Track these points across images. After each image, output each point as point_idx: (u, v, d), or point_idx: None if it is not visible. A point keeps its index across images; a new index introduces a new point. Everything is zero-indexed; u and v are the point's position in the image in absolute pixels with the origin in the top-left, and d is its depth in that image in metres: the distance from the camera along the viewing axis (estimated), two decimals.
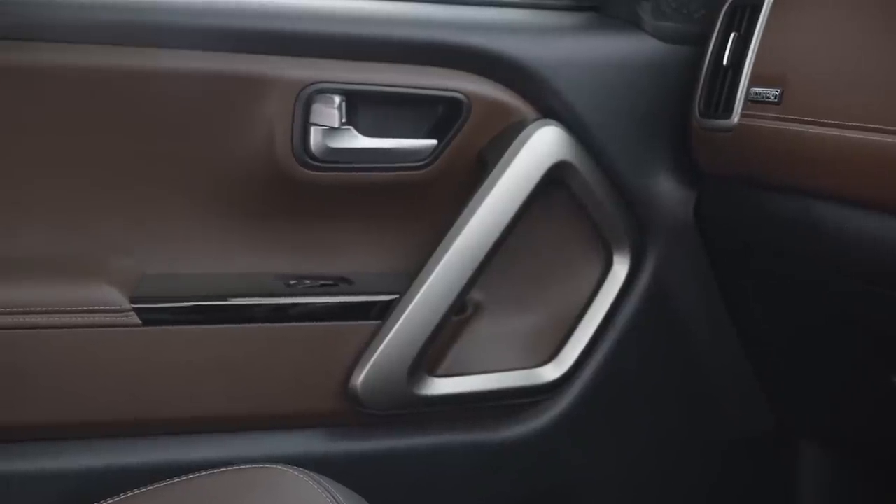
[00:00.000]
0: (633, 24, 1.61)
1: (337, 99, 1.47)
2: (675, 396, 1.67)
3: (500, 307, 1.62)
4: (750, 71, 1.46)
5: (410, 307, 1.49)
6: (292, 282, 1.53)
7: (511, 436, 1.60)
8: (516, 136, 1.52)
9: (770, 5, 1.46)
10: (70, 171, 1.46)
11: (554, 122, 1.54)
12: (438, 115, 1.54)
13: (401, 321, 1.49)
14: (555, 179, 1.55)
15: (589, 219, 1.59)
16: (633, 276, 1.61)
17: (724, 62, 1.50)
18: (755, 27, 1.47)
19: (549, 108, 1.55)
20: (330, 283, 1.54)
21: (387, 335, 1.49)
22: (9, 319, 1.37)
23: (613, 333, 1.61)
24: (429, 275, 1.50)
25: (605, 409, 1.63)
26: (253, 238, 1.54)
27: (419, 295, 1.49)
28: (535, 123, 1.53)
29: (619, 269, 1.61)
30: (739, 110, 1.46)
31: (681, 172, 1.60)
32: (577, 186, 1.57)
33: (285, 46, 1.47)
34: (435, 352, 1.54)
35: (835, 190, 1.32)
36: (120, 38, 1.42)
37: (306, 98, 1.46)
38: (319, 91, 1.47)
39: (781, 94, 1.38)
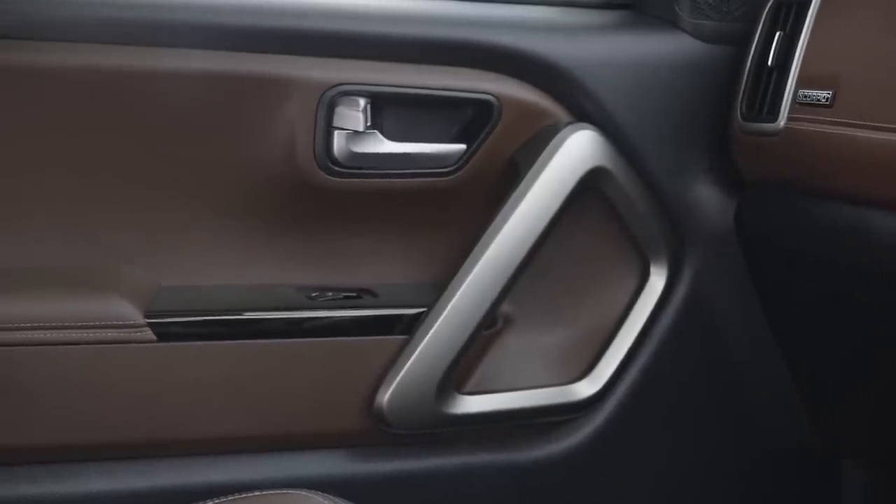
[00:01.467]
0: (669, 22, 1.55)
1: (362, 101, 1.42)
2: (714, 413, 1.62)
3: (532, 320, 1.57)
4: (797, 72, 1.40)
5: (439, 321, 1.43)
6: (314, 294, 1.48)
7: (543, 455, 1.54)
8: (549, 140, 1.47)
9: (819, 3, 1.40)
10: (80, 176, 1.41)
11: (588, 125, 1.49)
12: (467, 118, 1.49)
13: (429, 336, 1.43)
14: (589, 186, 1.49)
15: (625, 227, 1.54)
16: (670, 287, 1.56)
17: (769, 62, 1.44)
18: (802, 26, 1.41)
19: (583, 111, 1.50)
20: (353, 294, 1.50)
21: (414, 351, 1.43)
22: (15, 335, 1.31)
23: (650, 348, 1.56)
24: (458, 287, 1.44)
25: (640, 426, 1.58)
26: (273, 247, 1.49)
27: (448, 308, 1.44)
28: (569, 127, 1.48)
29: (656, 281, 1.55)
30: (786, 113, 1.40)
31: (721, 178, 1.55)
32: (613, 193, 1.51)
33: (308, 46, 1.41)
34: (463, 367, 1.49)
35: (890, 198, 1.27)
36: (133, 38, 1.38)
37: (329, 100, 1.41)
38: (343, 93, 1.42)
39: (833, 96, 1.32)
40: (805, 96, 1.37)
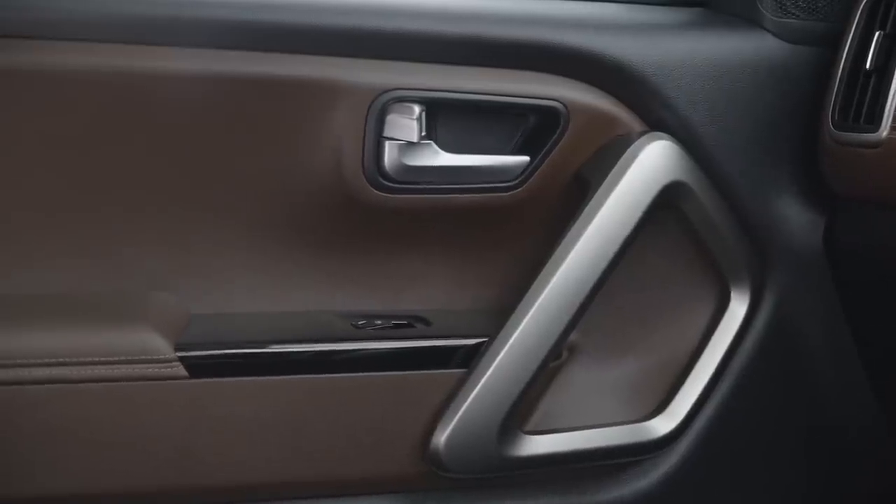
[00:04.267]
0: (750, 21, 1.45)
1: (416, 109, 1.33)
2: (800, 451, 1.53)
3: (600, 351, 1.47)
4: None
5: (503, 352, 1.33)
6: (360, 322, 1.40)
7: (612, 499, 1.45)
8: (622, 151, 1.38)
9: None
10: (100, 192, 1.33)
11: (664, 134, 1.39)
12: (531, 126, 1.40)
13: (492, 369, 1.33)
14: (666, 202, 1.39)
15: (703, 248, 1.44)
16: (752, 313, 1.46)
17: (867, 65, 1.34)
18: None
19: (658, 119, 1.40)
20: (404, 323, 1.41)
21: (474, 386, 1.33)
22: (31, 372, 1.22)
23: (729, 379, 1.47)
24: (524, 314, 1.34)
25: (719, 466, 1.49)
26: (315, 270, 1.41)
27: (513, 338, 1.33)
28: (644, 137, 1.38)
29: (737, 307, 1.45)
30: (889, 122, 1.29)
31: (808, 193, 1.45)
32: (692, 210, 1.41)
33: (356, 47, 1.33)
34: (525, 404, 1.38)
35: None
36: (160, 38, 1.29)
37: (380, 108, 1.33)
38: (396, 99, 1.33)
39: None
40: None
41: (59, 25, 1.26)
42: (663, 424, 1.43)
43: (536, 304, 1.34)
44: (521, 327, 1.33)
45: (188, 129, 1.32)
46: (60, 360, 1.22)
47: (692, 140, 1.40)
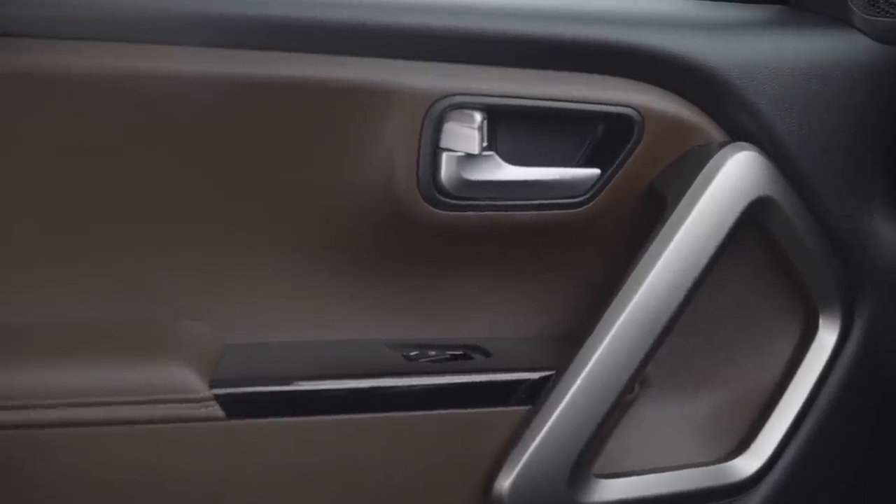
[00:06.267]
0: (837, 19, 1.35)
1: (478, 116, 1.23)
2: (894, 489, 1.42)
3: (674, 384, 1.37)
4: None
5: (574, 387, 1.23)
6: (412, 352, 1.30)
7: None
8: (703, 164, 1.28)
9: None
10: (120, 207, 1.23)
11: (749, 145, 1.29)
12: (600, 136, 1.29)
13: (561, 406, 1.23)
14: (751, 220, 1.29)
15: (791, 271, 1.34)
16: (842, 342, 1.36)
17: None
18: None
19: (741, 128, 1.30)
20: (461, 353, 1.32)
21: (542, 425, 1.24)
22: (49, 414, 1.12)
23: (817, 414, 1.36)
24: (597, 345, 1.24)
25: None
26: (363, 295, 1.32)
27: (585, 371, 1.24)
28: (728, 148, 1.28)
29: (826, 335, 1.35)
30: None
31: None
32: (779, 229, 1.31)
33: (411, 48, 1.23)
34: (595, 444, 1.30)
35: None
36: (189, 37, 1.19)
37: (437, 115, 1.23)
38: (455, 106, 1.23)
39: None
40: None
41: (68, 23, 1.16)
42: (746, 464, 1.34)
43: (611, 334, 1.24)
44: (593, 359, 1.24)
45: (221, 138, 1.22)
46: (80, 399, 1.14)
47: (778, 151, 1.30)
